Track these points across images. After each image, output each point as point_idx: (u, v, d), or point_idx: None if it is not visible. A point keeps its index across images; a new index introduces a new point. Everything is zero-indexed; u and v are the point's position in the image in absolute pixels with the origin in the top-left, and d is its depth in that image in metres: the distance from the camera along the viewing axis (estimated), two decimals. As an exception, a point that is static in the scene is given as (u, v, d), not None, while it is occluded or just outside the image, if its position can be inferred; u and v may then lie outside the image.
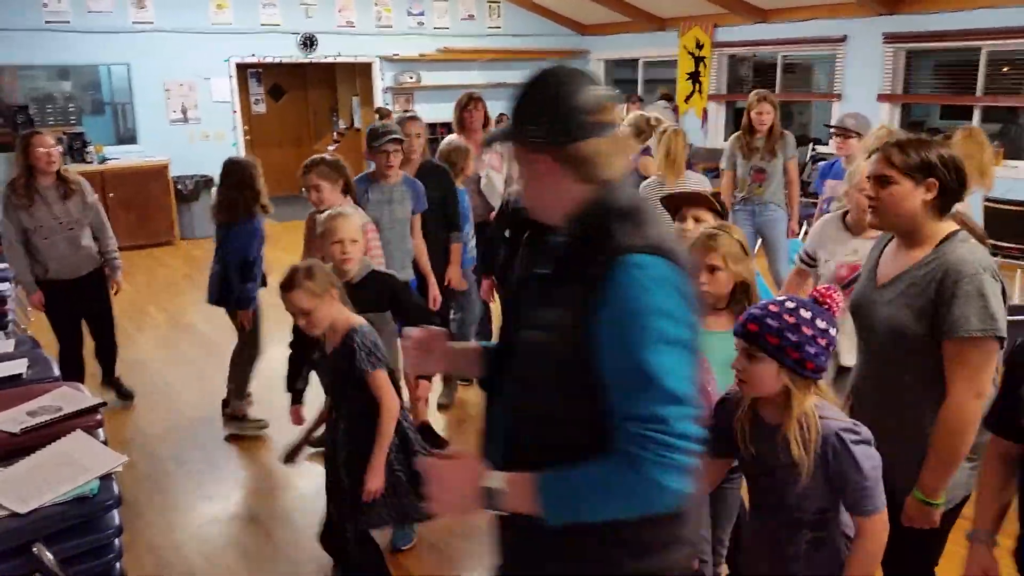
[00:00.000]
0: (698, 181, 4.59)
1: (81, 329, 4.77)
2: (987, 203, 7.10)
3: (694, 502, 1.56)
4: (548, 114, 1.56)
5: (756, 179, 5.46)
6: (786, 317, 1.83)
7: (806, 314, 1.84)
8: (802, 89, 10.65)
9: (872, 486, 1.82)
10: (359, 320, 2.80)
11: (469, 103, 5.16)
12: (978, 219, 6.69)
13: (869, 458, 1.82)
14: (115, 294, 4.82)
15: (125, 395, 5.04)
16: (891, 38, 8.76)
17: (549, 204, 1.60)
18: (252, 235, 4.29)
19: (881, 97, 8.92)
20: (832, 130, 4.99)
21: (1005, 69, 8.21)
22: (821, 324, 1.83)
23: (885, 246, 2.34)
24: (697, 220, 2.91)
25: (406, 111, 5.08)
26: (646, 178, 4.76)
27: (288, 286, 2.72)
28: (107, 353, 5.00)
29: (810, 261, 3.24)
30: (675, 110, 10.68)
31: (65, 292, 4.53)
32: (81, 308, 4.69)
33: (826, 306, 1.87)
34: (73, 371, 4.53)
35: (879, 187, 2.19)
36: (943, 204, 2.17)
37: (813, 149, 9.59)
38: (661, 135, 4.62)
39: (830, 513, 1.90)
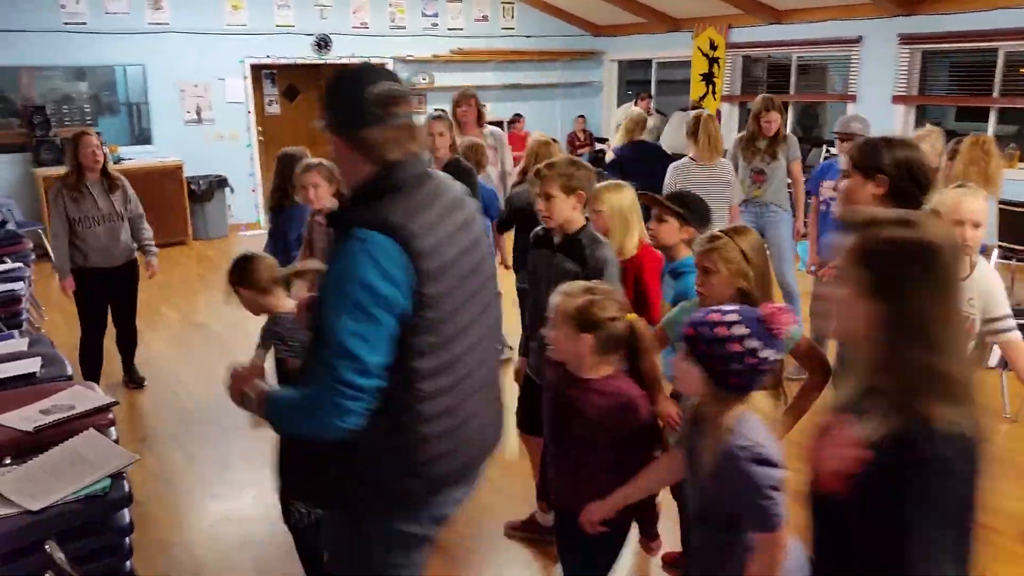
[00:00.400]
0: (723, 166, 4.98)
1: (106, 317, 5.09)
2: (1002, 206, 7.04)
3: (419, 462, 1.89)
4: (341, 105, 1.89)
5: (755, 180, 5.45)
6: (720, 330, 1.83)
7: (741, 331, 1.83)
8: (816, 90, 10.59)
9: (767, 505, 1.80)
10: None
11: (461, 101, 5.35)
12: (992, 222, 6.64)
13: (766, 477, 1.81)
14: (150, 277, 5.17)
15: (136, 381, 5.31)
16: (907, 39, 8.70)
17: (347, 179, 1.98)
18: (299, 220, 4.45)
19: (896, 99, 8.86)
20: (836, 134, 5.00)
21: (1023, 70, 8.14)
22: (752, 344, 1.82)
23: None
24: (660, 220, 3.06)
25: (436, 110, 5.21)
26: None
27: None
28: (128, 341, 5.30)
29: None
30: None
31: (99, 279, 4.90)
32: (110, 296, 5.03)
33: (771, 327, 1.85)
34: (94, 357, 5.03)
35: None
36: (896, 203, 2.26)
37: (827, 151, 9.54)
38: (695, 121, 4.93)
39: (741, 521, 1.90)
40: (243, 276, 2.99)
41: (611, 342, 2.30)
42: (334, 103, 1.89)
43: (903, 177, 2.32)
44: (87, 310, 5.00)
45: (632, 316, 2.39)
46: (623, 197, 3.20)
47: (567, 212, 2.92)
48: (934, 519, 1.46)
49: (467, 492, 2.09)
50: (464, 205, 2.05)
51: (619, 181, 3.35)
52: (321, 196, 3.89)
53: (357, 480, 1.91)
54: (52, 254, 5.00)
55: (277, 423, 1.93)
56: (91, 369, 5.01)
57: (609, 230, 3.12)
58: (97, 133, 4.93)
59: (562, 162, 3.01)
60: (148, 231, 5.11)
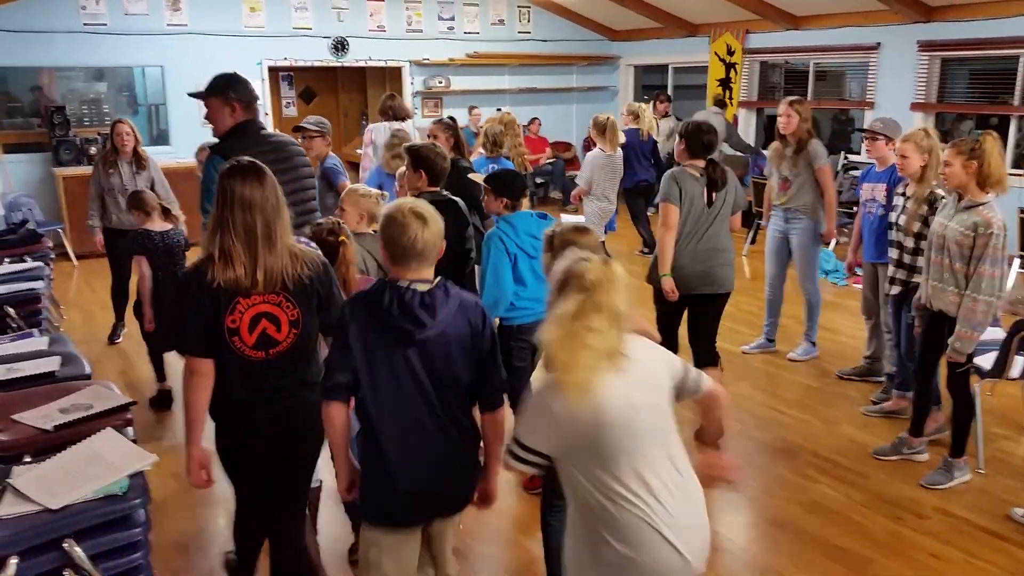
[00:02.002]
0: (619, 156, 6.61)
1: (129, 267, 5.82)
2: (1022, 214, 6.99)
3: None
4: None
5: (782, 187, 5.47)
6: None
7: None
8: (834, 97, 10.54)
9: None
10: None
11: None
12: (1012, 228, 6.61)
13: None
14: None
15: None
16: (926, 46, 8.64)
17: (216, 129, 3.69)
18: None
19: (914, 106, 8.80)
20: (863, 134, 4.99)
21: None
22: None
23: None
24: (487, 194, 3.73)
25: (448, 117, 5.56)
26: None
27: None
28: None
29: None
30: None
31: (121, 237, 5.74)
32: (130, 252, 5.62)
33: None
34: (120, 297, 6.16)
35: None
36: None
37: (845, 158, 9.49)
38: (605, 123, 6.47)
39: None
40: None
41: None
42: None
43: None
44: (113, 261, 6.10)
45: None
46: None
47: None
48: None
49: None
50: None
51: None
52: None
53: None
54: (90, 212, 6.11)
55: None
56: (118, 306, 6.16)
57: None
58: (129, 122, 6.06)
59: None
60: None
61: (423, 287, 2.29)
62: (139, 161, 5.99)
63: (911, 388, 4.37)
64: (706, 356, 4.43)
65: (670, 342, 4.30)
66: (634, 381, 1.99)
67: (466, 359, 2.35)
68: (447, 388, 2.33)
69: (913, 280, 4.20)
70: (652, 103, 11.09)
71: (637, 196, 8.59)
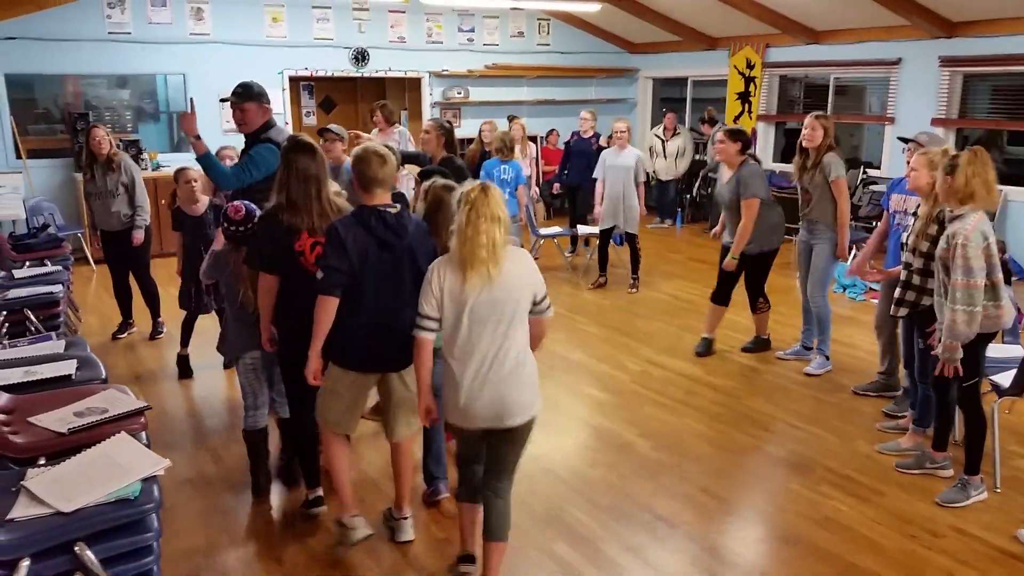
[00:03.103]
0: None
1: (122, 267, 6.33)
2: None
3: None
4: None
5: (803, 199, 5.52)
6: None
7: None
8: (854, 111, 10.48)
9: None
10: None
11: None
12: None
13: None
14: (135, 245, 6.22)
15: (158, 331, 6.40)
16: (948, 62, 8.59)
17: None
18: None
19: (935, 121, 8.74)
20: (906, 144, 4.91)
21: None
22: None
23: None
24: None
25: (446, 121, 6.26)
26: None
27: None
28: (148, 297, 6.34)
29: None
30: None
31: (105, 240, 6.28)
32: (118, 254, 6.28)
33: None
34: (121, 295, 6.41)
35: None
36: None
37: (864, 173, 9.43)
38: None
39: None
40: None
41: None
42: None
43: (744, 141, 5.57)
44: (106, 262, 6.43)
45: None
46: None
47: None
48: None
49: None
50: None
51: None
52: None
53: None
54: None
55: None
56: (122, 304, 6.43)
57: None
58: (104, 127, 6.23)
59: None
60: (139, 209, 6.15)
61: (393, 210, 3.20)
62: (108, 163, 6.06)
63: (928, 424, 4.33)
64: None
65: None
66: (497, 283, 2.85)
67: (423, 261, 3.18)
68: (411, 280, 3.20)
69: (923, 303, 4.10)
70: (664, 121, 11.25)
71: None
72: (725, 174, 5.82)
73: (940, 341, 3.72)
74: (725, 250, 5.85)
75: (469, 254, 2.80)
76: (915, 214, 4.27)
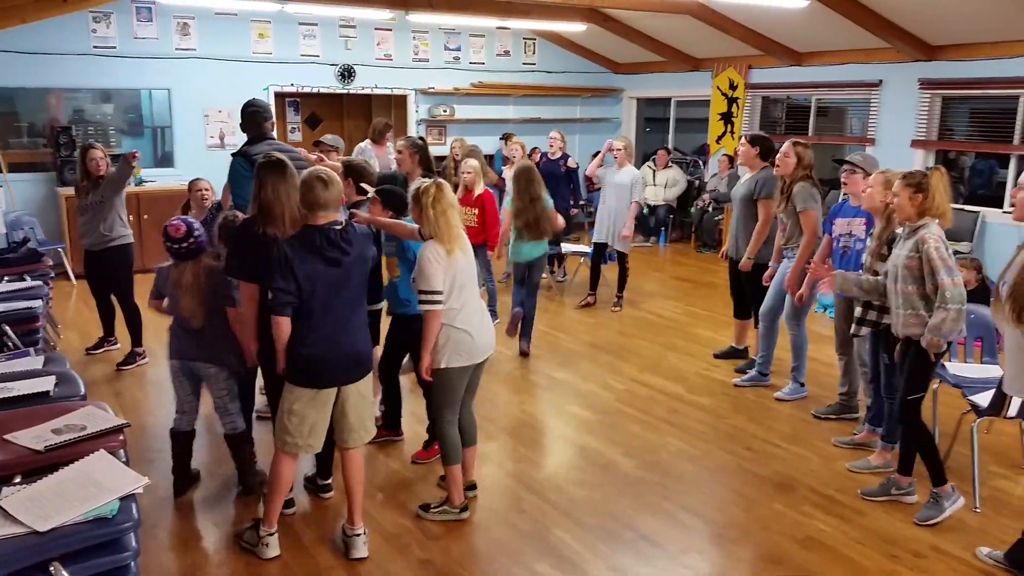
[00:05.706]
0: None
1: (104, 287, 6.23)
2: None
3: None
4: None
5: (780, 228, 5.47)
6: None
7: None
8: (835, 132, 10.60)
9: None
10: None
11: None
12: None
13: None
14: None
15: (138, 354, 6.13)
16: (927, 84, 8.72)
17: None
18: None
19: (915, 143, 8.85)
20: (843, 167, 4.98)
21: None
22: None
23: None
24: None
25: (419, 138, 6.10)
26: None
27: None
28: (129, 319, 6.15)
29: None
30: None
31: (88, 258, 6.20)
32: (99, 274, 6.17)
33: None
34: (107, 313, 6.36)
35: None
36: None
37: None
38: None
39: None
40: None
41: None
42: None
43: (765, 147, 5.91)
44: (88, 281, 6.32)
45: None
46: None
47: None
48: None
49: None
50: None
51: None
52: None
53: None
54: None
55: None
56: (104, 321, 6.38)
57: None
58: (101, 147, 6.11)
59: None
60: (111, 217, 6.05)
61: (338, 227, 3.37)
62: (95, 183, 5.99)
63: (895, 440, 4.34)
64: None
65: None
66: (465, 252, 3.64)
67: (367, 270, 3.50)
68: (359, 293, 3.48)
69: (884, 320, 4.16)
70: (654, 156, 11.34)
71: None
72: (744, 176, 6.05)
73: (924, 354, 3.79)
74: (732, 264, 6.02)
75: (451, 235, 3.54)
76: (870, 235, 4.34)
